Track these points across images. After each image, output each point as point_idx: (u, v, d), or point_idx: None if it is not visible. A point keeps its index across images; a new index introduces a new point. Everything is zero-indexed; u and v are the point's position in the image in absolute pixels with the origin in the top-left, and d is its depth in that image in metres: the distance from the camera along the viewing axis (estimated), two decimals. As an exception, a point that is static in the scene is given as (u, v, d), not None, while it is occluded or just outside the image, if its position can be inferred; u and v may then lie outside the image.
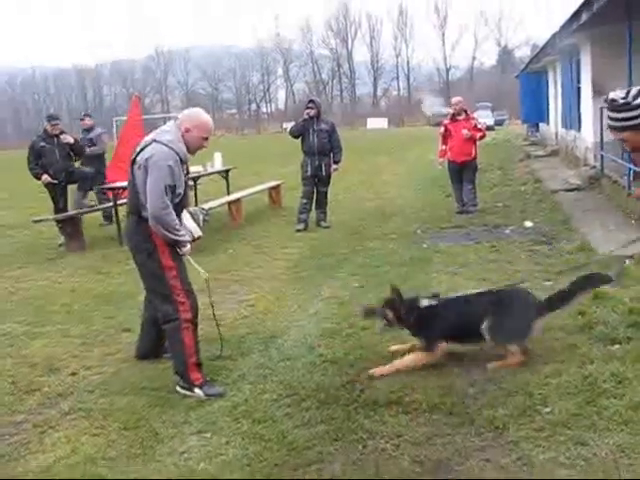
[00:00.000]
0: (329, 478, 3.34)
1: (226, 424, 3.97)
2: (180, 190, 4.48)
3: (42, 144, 10.45)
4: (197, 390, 4.40)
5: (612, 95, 3.84)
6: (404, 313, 4.74)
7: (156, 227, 4.36)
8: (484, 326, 4.54)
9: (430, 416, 3.88)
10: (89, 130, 12.62)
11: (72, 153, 10.71)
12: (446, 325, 4.65)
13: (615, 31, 11.54)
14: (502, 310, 4.59)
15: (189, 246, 4.62)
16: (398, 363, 4.58)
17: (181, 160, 4.43)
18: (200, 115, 4.59)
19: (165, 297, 4.49)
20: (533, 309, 4.66)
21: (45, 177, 10.41)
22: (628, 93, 3.77)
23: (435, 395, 4.10)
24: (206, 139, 4.60)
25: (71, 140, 10.62)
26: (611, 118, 3.89)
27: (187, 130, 4.48)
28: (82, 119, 13.01)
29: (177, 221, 4.45)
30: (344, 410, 4.02)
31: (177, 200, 4.47)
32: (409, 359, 4.62)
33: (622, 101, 3.76)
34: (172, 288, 4.47)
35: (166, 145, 4.36)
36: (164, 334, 4.66)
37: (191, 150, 4.56)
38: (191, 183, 10.61)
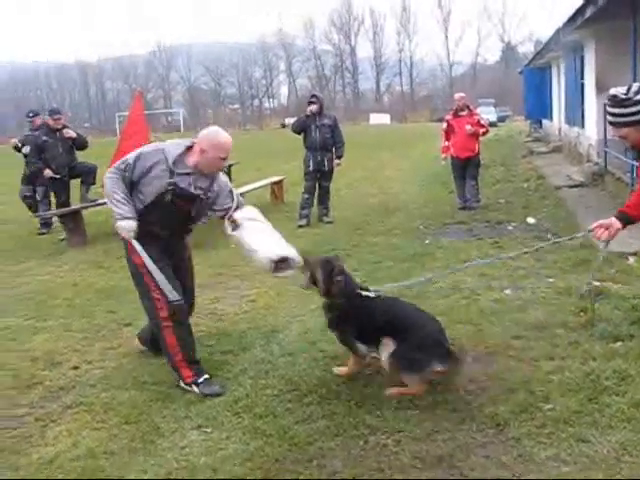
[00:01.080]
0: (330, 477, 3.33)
1: (227, 419, 3.97)
2: (144, 197, 4.38)
3: (44, 138, 10.47)
4: (194, 387, 4.36)
5: (613, 91, 3.85)
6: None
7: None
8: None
9: (431, 412, 3.87)
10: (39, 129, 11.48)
11: (75, 147, 10.75)
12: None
13: (620, 27, 11.50)
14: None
15: (126, 225, 4.32)
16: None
17: (171, 172, 4.33)
18: (218, 135, 4.43)
19: (143, 294, 4.49)
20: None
21: (47, 171, 10.44)
22: (629, 89, 3.78)
23: (436, 391, 4.09)
24: (224, 159, 4.48)
25: (74, 134, 10.67)
26: (612, 114, 3.89)
27: (202, 151, 4.36)
28: (32, 118, 11.89)
29: (117, 190, 4.31)
30: (345, 406, 4.01)
31: (154, 211, 4.37)
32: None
33: (623, 97, 3.76)
34: (146, 285, 4.43)
35: (162, 150, 4.37)
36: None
37: (208, 171, 4.44)
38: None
